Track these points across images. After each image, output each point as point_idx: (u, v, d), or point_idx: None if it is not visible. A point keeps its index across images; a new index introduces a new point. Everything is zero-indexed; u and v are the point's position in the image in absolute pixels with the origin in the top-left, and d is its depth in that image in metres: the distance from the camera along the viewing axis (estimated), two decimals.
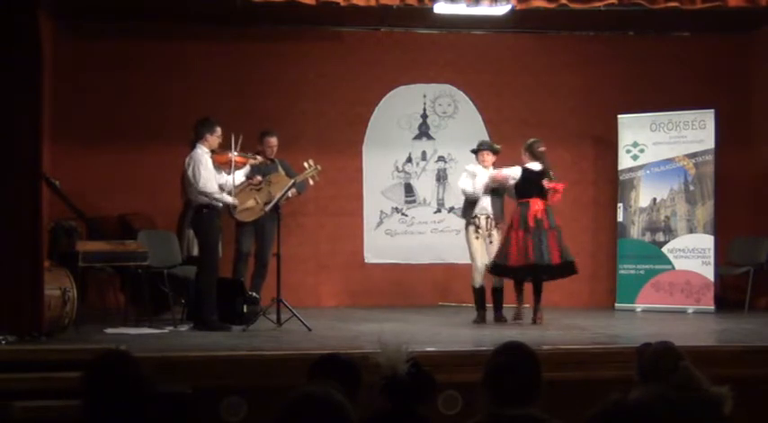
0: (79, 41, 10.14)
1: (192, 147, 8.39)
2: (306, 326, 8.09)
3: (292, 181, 8.93)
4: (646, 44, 10.98)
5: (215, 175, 8.39)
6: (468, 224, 8.98)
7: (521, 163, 8.96)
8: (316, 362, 3.80)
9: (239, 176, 8.73)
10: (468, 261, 9.05)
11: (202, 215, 8.34)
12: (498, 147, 9.08)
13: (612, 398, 2.68)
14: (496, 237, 8.88)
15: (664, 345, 4.26)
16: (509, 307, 9.03)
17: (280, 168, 9.27)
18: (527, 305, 8.97)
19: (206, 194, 8.28)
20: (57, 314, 7.59)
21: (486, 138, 10.54)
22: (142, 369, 3.43)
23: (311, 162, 9.04)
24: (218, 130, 8.37)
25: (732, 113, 10.56)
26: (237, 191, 8.75)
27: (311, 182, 9.16)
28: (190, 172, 8.28)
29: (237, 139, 8.45)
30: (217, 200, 8.36)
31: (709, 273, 10.08)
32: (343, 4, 8.07)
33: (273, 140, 9.36)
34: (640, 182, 10.47)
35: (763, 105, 10.69)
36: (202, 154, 8.30)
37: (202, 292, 8.30)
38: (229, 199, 8.47)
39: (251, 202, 8.97)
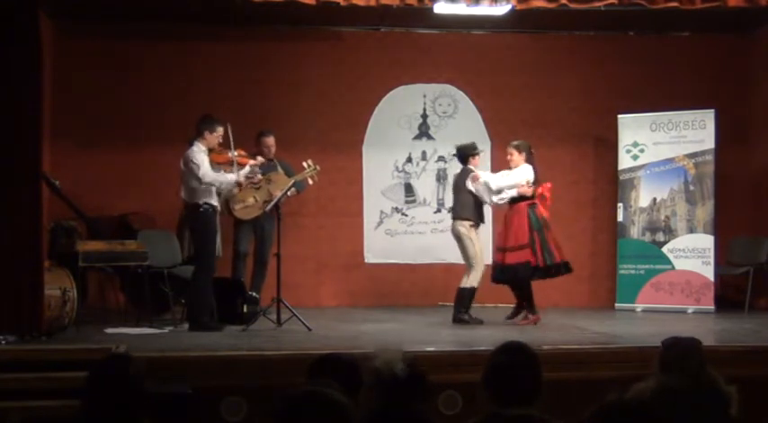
0: (79, 41, 10.14)
1: (190, 144, 8.34)
2: (306, 326, 8.09)
3: (292, 181, 8.93)
4: (646, 44, 10.97)
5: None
6: (472, 225, 8.89)
7: (507, 164, 8.97)
8: (316, 362, 3.79)
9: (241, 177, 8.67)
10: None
11: (198, 214, 8.27)
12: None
13: (612, 397, 2.68)
14: None
15: (692, 341, 4.29)
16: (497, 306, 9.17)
17: (279, 168, 9.26)
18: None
19: (211, 183, 8.20)
20: (57, 314, 7.60)
21: (486, 137, 10.58)
22: (143, 371, 3.43)
23: (310, 162, 9.03)
24: (220, 129, 8.30)
25: (732, 113, 10.56)
26: (239, 190, 8.76)
27: (310, 181, 9.16)
28: (186, 168, 8.23)
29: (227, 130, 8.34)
30: (222, 183, 8.30)
31: (709, 273, 10.08)
32: (343, 3, 8.08)
33: (270, 140, 9.36)
34: (640, 182, 10.47)
35: (763, 105, 10.68)
36: (198, 152, 8.23)
37: (196, 291, 8.26)
38: (233, 176, 8.37)
39: (250, 200, 8.96)
